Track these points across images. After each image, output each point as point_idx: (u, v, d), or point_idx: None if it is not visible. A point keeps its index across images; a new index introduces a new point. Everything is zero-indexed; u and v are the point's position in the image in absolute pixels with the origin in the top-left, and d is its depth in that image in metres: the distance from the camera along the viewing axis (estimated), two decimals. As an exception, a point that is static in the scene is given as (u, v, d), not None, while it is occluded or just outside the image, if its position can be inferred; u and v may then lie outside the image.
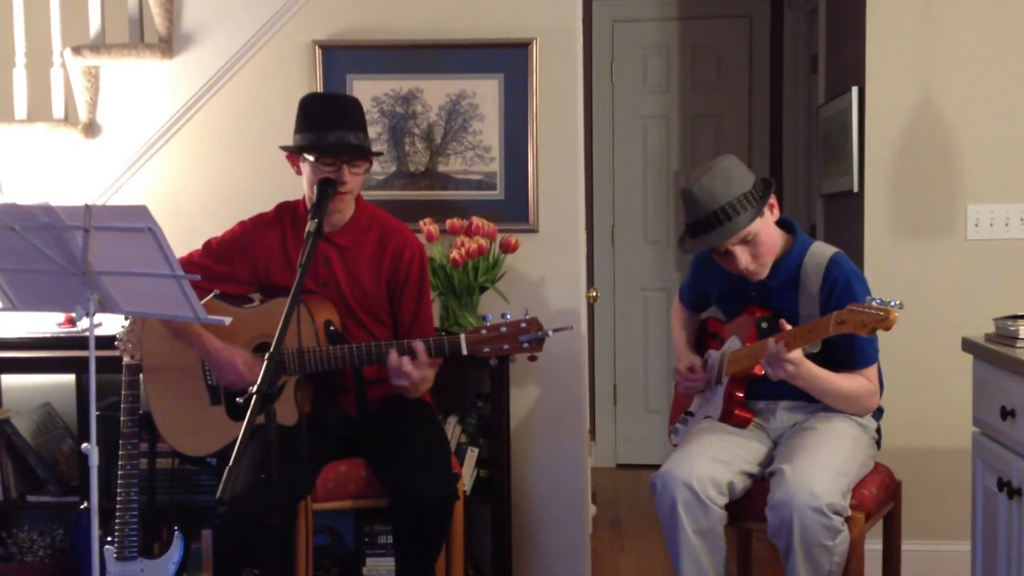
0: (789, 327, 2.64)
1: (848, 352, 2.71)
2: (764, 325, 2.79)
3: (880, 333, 2.50)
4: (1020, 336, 2.54)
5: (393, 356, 2.82)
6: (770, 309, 2.83)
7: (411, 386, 2.87)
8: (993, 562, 2.64)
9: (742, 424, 2.84)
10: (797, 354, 2.61)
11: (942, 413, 3.57)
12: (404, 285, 3.06)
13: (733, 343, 2.89)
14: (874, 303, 2.45)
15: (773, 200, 2.78)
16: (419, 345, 2.82)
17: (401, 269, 3.05)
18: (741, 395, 2.86)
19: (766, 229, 2.75)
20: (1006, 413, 2.51)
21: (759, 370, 2.76)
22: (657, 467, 2.79)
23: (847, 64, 3.93)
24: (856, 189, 3.72)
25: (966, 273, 3.60)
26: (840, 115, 3.85)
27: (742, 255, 2.74)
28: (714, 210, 2.68)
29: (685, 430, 3.01)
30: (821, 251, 2.80)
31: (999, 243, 3.60)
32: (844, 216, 3.99)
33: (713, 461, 2.69)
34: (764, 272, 2.80)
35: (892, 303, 2.42)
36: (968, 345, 2.77)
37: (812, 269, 2.77)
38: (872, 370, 2.78)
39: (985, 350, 2.65)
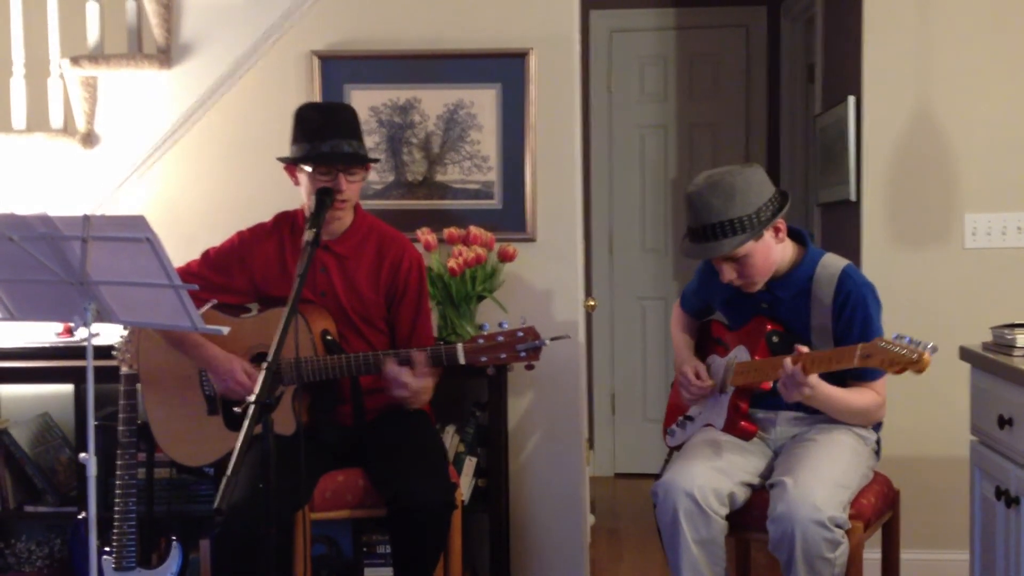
0: (805, 349, 2.60)
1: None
2: (775, 340, 2.77)
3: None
4: (1017, 344, 2.54)
5: (392, 366, 2.82)
6: (780, 322, 2.81)
7: (411, 396, 2.88)
8: (991, 570, 2.64)
9: (746, 436, 2.81)
10: (814, 378, 2.59)
11: (940, 422, 3.56)
12: (403, 295, 3.06)
13: (740, 353, 2.85)
14: (903, 341, 2.39)
15: (780, 224, 2.74)
16: (418, 355, 2.82)
17: (400, 279, 3.05)
18: (746, 407, 2.83)
19: (762, 251, 2.72)
20: (1004, 422, 2.51)
21: (768, 386, 2.73)
22: (656, 476, 2.79)
23: (844, 73, 3.94)
24: (853, 198, 3.72)
25: (964, 282, 3.61)
26: (837, 124, 3.86)
27: (727, 270, 2.74)
28: (703, 225, 2.68)
29: (683, 434, 2.99)
30: (833, 263, 2.78)
31: (997, 252, 3.61)
32: (842, 225, 4.00)
33: (715, 471, 2.68)
34: (753, 288, 2.79)
35: (924, 345, 2.36)
36: (966, 354, 2.78)
37: (825, 280, 2.74)
38: (881, 382, 2.76)
39: (983, 359, 2.66)
